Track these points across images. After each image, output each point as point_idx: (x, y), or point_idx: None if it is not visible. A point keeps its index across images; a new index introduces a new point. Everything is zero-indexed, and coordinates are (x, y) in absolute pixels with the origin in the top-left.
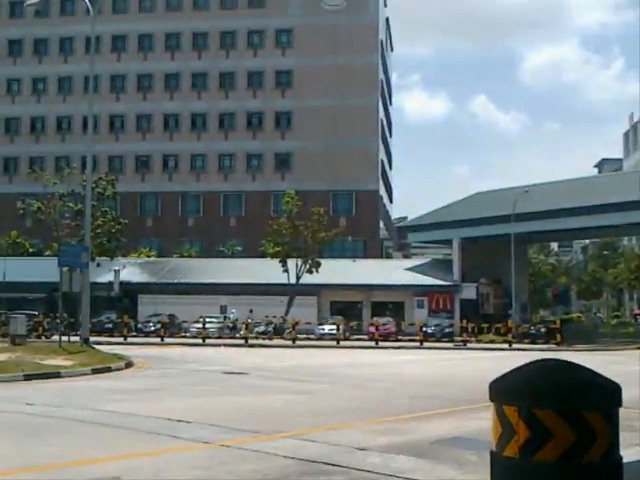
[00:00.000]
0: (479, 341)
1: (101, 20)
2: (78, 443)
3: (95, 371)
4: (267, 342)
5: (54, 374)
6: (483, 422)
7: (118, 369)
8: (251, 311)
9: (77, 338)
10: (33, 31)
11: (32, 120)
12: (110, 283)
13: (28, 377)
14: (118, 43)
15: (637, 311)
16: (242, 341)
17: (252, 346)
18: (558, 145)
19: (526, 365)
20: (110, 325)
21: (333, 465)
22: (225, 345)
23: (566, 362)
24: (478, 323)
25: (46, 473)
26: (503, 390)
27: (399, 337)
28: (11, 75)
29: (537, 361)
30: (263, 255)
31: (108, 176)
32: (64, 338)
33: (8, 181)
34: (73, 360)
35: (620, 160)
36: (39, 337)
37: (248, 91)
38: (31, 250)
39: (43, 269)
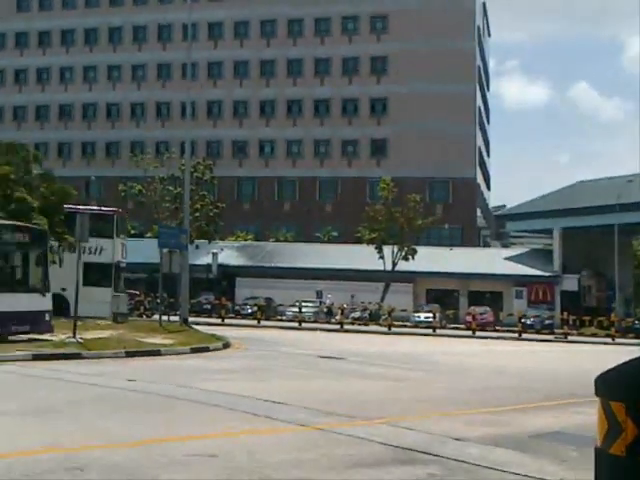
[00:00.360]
0: (580, 334)
1: (198, 7)
2: (176, 420)
3: (194, 350)
4: (362, 328)
5: (154, 352)
6: (584, 417)
7: (216, 349)
8: (352, 297)
9: (176, 318)
10: (132, 19)
11: (132, 106)
12: (208, 265)
13: (130, 354)
14: (215, 30)
15: None
16: (337, 326)
17: (347, 331)
18: None
19: (634, 359)
20: (208, 306)
21: (429, 454)
22: (321, 329)
23: None
24: (579, 316)
25: (145, 448)
26: (610, 385)
27: (497, 327)
28: (112, 62)
29: None
30: (359, 241)
31: (206, 161)
32: (164, 317)
33: (111, 165)
34: (173, 339)
35: None
36: (140, 316)
37: (343, 78)
38: (132, 232)
39: (144, 250)
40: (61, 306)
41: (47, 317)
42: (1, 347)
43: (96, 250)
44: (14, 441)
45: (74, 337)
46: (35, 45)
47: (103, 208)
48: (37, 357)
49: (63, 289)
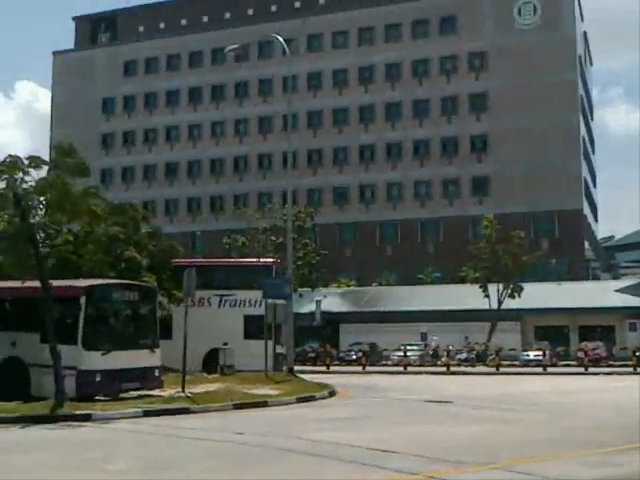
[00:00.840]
0: None
1: (297, 60)
2: (285, 472)
3: (300, 400)
4: (469, 369)
5: (261, 403)
6: None
7: (322, 398)
8: (466, 338)
9: (282, 368)
10: (234, 75)
11: (235, 160)
12: (312, 313)
13: (237, 406)
14: (313, 80)
15: None
16: (444, 368)
17: (454, 373)
18: None
19: None
20: (313, 354)
21: None
22: (427, 373)
23: None
24: None
25: None
26: None
27: (610, 362)
28: (214, 119)
29: None
30: (462, 281)
31: (307, 209)
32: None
33: (215, 219)
34: (279, 389)
35: None
36: None
37: (442, 117)
38: None
39: None
40: (222, 359)
41: (157, 373)
42: (112, 405)
43: (255, 303)
44: None
45: (183, 392)
46: (142, 107)
47: (262, 259)
48: (148, 413)
49: (225, 343)
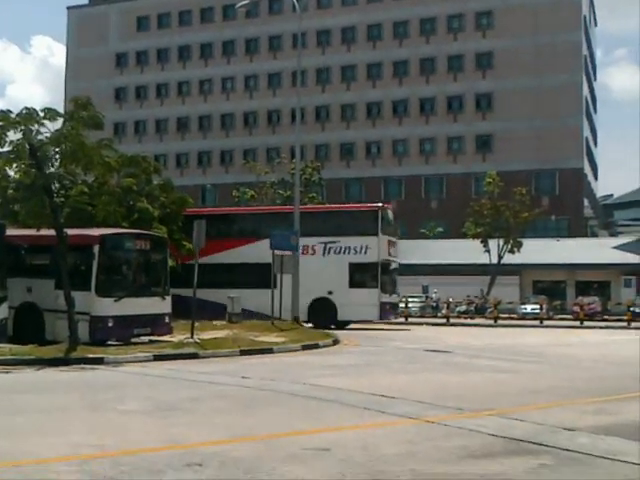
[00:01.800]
0: None
1: (306, 17)
2: (290, 415)
3: (304, 347)
4: (469, 321)
5: (267, 350)
6: None
7: (326, 346)
8: (483, 291)
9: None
10: (244, 31)
11: (245, 115)
12: None
13: (244, 352)
14: (322, 37)
15: None
16: (443, 320)
17: (453, 325)
18: None
19: None
20: None
21: (540, 445)
22: (427, 324)
23: None
24: None
25: (262, 443)
26: None
27: (605, 317)
28: (225, 74)
29: None
30: (464, 236)
31: (314, 164)
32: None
33: (225, 172)
34: (284, 337)
35: None
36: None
37: (448, 75)
38: None
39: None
40: (328, 310)
41: (167, 319)
42: (124, 349)
43: (361, 249)
44: (136, 438)
45: (192, 338)
46: (155, 62)
47: (367, 204)
48: (158, 358)
49: (330, 292)
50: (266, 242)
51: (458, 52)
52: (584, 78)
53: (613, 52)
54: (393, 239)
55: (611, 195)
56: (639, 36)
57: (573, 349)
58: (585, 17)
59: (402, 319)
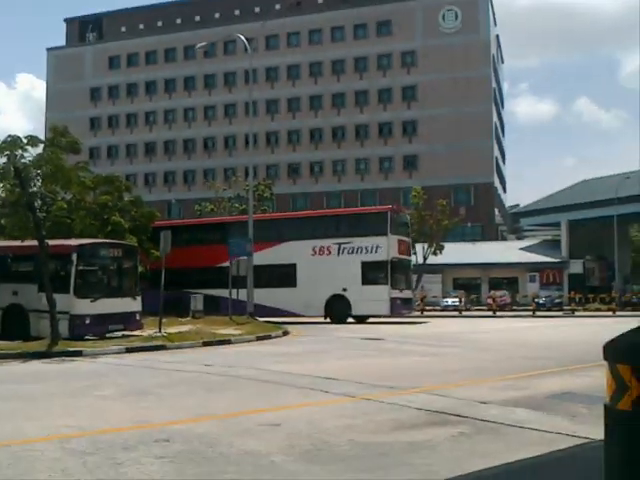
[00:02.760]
0: (586, 310)
1: (257, 56)
2: (246, 396)
3: (259, 338)
4: None
5: (226, 341)
6: (592, 379)
7: (277, 336)
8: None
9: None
10: (203, 69)
11: (204, 140)
12: None
13: (206, 343)
14: (271, 73)
15: None
16: None
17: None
18: None
19: (637, 328)
20: None
21: (459, 416)
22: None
23: None
24: (584, 294)
25: (221, 421)
26: (617, 350)
27: (514, 307)
28: (186, 105)
29: None
30: None
31: (266, 181)
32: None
33: (187, 189)
34: (241, 330)
35: None
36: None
37: (379, 105)
38: None
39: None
40: (342, 306)
41: (137, 316)
42: (100, 343)
43: (372, 249)
44: (111, 420)
45: (160, 332)
46: (124, 95)
47: (378, 207)
48: (130, 350)
49: (344, 289)
50: (289, 245)
51: (387, 86)
52: (493, 107)
53: (518, 85)
54: (404, 239)
55: (517, 205)
56: (539, 72)
57: (487, 335)
58: (493, 55)
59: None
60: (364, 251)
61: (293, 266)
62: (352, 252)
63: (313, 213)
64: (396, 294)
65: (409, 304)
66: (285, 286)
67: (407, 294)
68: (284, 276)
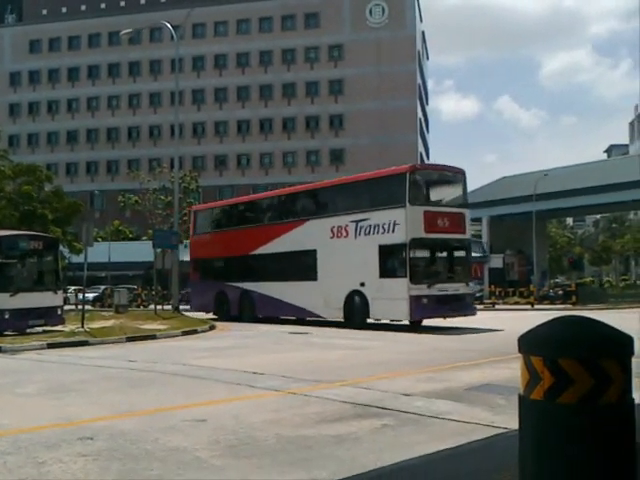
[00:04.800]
0: (505, 303)
1: (183, 44)
2: (171, 392)
3: (184, 333)
4: None
5: (151, 336)
6: (510, 371)
7: (203, 331)
8: None
9: (169, 307)
10: (129, 56)
11: (129, 129)
12: None
13: (130, 339)
14: (198, 62)
15: None
16: None
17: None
18: (573, 135)
19: (549, 321)
20: None
21: (382, 408)
22: None
23: (584, 317)
24: (504, 288)
25: (146, 417)
26: (530, 343)
27: None
28: (111, 93)
29: (559, 317)
30: None
31: (192, 173)
32: (159, 307)
33: (111, 180)
34: (166, 324)
35: (626, 146)
36: (138, 306)
37: (306, 98)
38: (130, 236)
39: (141, 251)
40: (360, 306)
41: (59, 311)
42: (20, 338)
43: (390, 227)
44: (33, 418)
45: (82, 327)
46: (46, 81)
47: (396, 168)
48: (51, 346)
49: (362, 284)
50: (306, 225)
51: (314, 79)
52: (418, 103)
53: (443, 82)
54: (439, 210)
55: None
56: (463, 70)
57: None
58: (419, 51)
59: None
60: (381, 230)
61: (313, 253)
62: (369, 232)
63: (321, 184)
64: (420, 291)
65: (453, 304)
66: (305, 279)
67: (449, 289)
68: (307, 267)
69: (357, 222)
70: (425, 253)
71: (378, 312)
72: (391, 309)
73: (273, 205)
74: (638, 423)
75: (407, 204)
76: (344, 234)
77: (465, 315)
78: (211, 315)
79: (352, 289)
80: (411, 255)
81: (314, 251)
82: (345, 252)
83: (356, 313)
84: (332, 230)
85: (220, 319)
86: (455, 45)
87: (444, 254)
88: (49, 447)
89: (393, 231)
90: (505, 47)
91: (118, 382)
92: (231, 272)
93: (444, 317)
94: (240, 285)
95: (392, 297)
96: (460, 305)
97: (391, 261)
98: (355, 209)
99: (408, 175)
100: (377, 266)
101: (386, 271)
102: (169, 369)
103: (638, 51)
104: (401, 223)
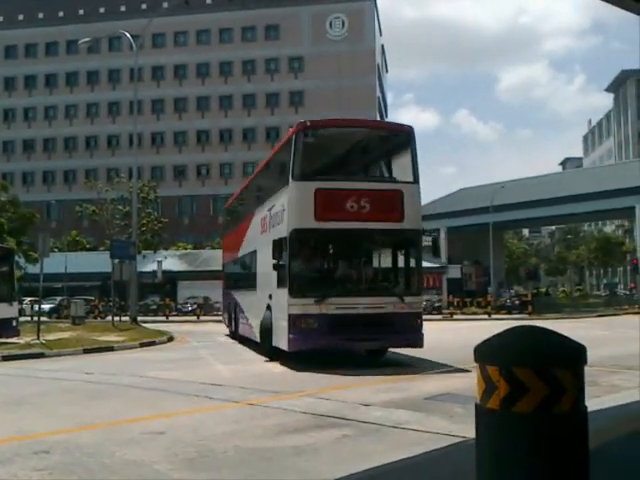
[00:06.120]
0: (463, 313)
1: (142, 54)
2: (129, 405)
3: (142, 345)
4: None
5: (108, 348)
6: (468, 380)
7: (161, 343)
8: None
9: (127, 318)
10: (86, 64)
11: (87, 138)
12: (154, 272)
13: (87, 351)
14: (157, 72)
15: (632, 284)
16: None
17: None
18: (529, 148)
19: (505, 331)
20: (154, 307)
21: (342, 419)
22: None
23: (538, 327)
24: (462, 298)
25: (104, 430)
26: (486, 352)
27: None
28: (69, 102)
29: (514, 327)
30: None
31: (150, 183)
32: (116, 318)
33: (68, 190)
34: (124, 336)
35: (580, 159)
36: (95, 318)
37: (266, 109)
38: (88, 246)
39: (98, 262)
40: (266, 324)
41: (14, 323)
42: None
43: (280, 215)
44: None
45: (38, 339)
46: (2, 89)
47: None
48: (6, 358)
49: (270, 296)
50: (253, 221)
51: (275, 90)
52: (377, 115)
53: (403, 95)
54: (346, 185)
55: None
56: (423, 84)
57: None
58: (378, 65)
59: None
60: (277, 220)
61: (254, 255)
62: (273, 224)
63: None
64: (302, 308)
65: (370, 329)
66: (249, 288)
67: (359, 306)
68: (247, 275)
69: (269, 211)
70: (320, 251)
71: (276, 336)
72: (282, 334)
73: (242, 199)
74: (590, 431)
75: (290, 180)
76: (265, 228)
77: (398, 346)
78: (167, 327)
79: (266, 303)
80: (292, 254)
81: (255, 252)
82: (265, 252)
83: (264, 336)
84: (261, 224)
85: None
86: (415, 59)
87: (361, 252)
88: (2, 462)
89: (282, 221)
90: (463, 62)
91: (75, 395)
92: (227, 279)
93: (353, 349)
94: (232, 294)
95: (282, 316)
96: (386, 330)
97: (281, 264)
98: (269, 195)
99: (294, 139)
100: (274, 272)
101: (278, 279)
102: (126, 381)
103: (591, 67)
104: (286, 208)
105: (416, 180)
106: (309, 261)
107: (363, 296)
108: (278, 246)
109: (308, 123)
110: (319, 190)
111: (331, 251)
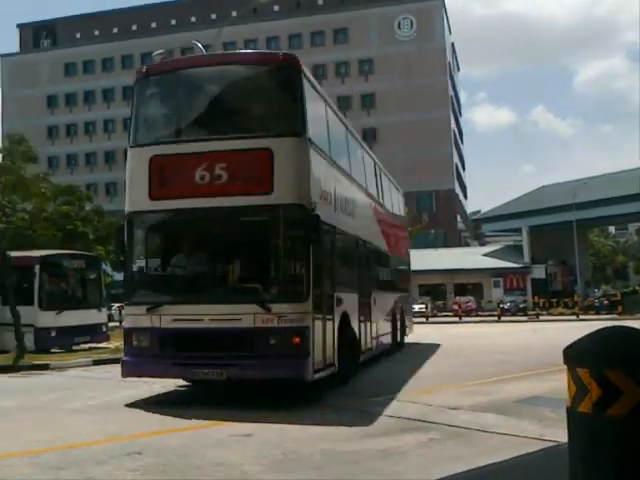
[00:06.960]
0: (550, 314)
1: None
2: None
3: None
4: None
5: None
6: (557, 383)
7: None
8: None
9: None
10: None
11: None
12: None
13: None
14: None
15: None
16: None
17: None
18: (610, 143)
19: (595, 332)
20: None
21: (429, 422)
22: None
23: (630, 328)
24: (548, 299)
25: (191, 433)
26: (576, 354)
27: (479, 313)
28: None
29: (605, 328)
30: None
31: None
32: None
33: None
34: None
35: None
36: None
37: None
38: None
39: None
40: None
41: (104, 328)
42: (67, 356)
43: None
44: (81, 434)
45: None
46: (82, 103)
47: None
48: (97, 362)
49: None
50: None
51: (346, 93)
52: (451, 114)
53: (476, 94)
54: (195, 148)
55: (479, 210)
56: (496, 81)
57: (452, 341)
58: (449, 63)
59: None
60: None
61: None
62: None
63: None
64: (136, 319)
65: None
66: None
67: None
68: None
69: None
70: (157, 241)
71: None
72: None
73: None
74: None
75: (129, 147)
76: None
77: (264, 377)
78: None
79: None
80: (128, 246)
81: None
82: None
83: None
84: None
85: None
86: (486, 57)
87: (215, 240)
88: (98, 463)
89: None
90: (536, 57)
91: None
92: None
93: (192, 379)
94: None
95: None
96: (244, 353)
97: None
98: None
99: (133, 92)
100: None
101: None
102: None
103: None
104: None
105: (298, 132)
106: (145, 255)
107: (212, 303)
108: (117, 236)
109: (145, 68)
110: (155, 158)
111: (172, 241)
